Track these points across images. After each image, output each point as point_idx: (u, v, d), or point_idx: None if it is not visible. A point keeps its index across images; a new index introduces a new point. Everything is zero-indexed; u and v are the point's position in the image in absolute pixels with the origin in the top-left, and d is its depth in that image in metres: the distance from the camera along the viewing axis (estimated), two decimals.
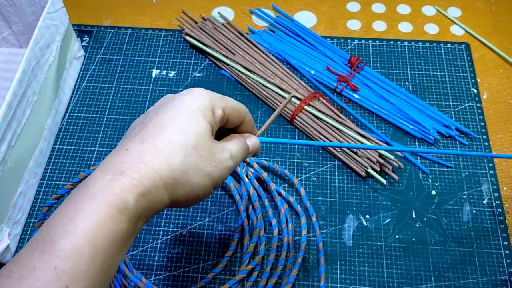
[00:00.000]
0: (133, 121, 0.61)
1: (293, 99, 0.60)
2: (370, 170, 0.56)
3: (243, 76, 0.64)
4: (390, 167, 0.56)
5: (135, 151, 0.31)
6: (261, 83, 0.63)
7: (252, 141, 0.38)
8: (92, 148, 0.59)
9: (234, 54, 0.66)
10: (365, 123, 0.60)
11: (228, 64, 0.65)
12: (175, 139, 0.32)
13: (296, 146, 0.59)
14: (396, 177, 0.56)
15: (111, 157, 0.31)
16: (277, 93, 0.62)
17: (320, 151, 0.59)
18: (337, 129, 0.58)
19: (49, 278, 0.26)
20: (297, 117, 0.60)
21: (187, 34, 0.68)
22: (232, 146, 0.36)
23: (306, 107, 0.60)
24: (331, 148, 0.58)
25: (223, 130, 0.38)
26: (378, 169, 0.56)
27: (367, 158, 0.56)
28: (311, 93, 0.61)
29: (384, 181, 0.56)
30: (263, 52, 0.66)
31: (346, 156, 0.57)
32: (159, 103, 0.35)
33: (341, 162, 0.58)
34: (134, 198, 0.29)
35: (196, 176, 0.32)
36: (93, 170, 0.32)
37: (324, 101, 0.61)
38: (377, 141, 0.57)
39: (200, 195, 0.33)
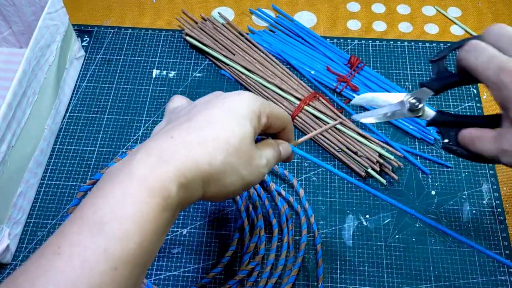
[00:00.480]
0: (133, 121, 0.61)
1: (293, 99, 0.61)
2: (370, 170, 0.56)
3: (243, 76, 0.64)
4: (390, 167, 0.56)
5: (181, 141, 0.32)
6: (261, 83, 0.63)
7: (284, 147, 0.39)
8: (92, 148, 0.59)
9: (234, 54, 0.66)
10: (365, 123, 0.60)
11: (228, 64, 0.65)
12: (221, 137, 0.32)
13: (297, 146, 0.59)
14: (396, 177, 0.56)
15: (155, 140, 0.32)
16: (277, 93, 0.62)
17: (320, 151, 0.59)
18: (337, 129, 0.58)
19: (98, 259, 0.27)
20: (297, 117, 0.60)
21: (187, 34, 0.68)
22: (269, 154, 0.37)
23: (306, 107, 0.60)
24: (331, 148, 0.58)
25: (262, 133, 0.39)
26: (378, 169, 0.56)
27: (367, 158, 0.56)
28: (311, 93, 0.61)
29: (384, 181, 0.56)
30: (263, 52, 0.66)
31: (346, 156, 0.57)
32: (208, 97, 0.36)
33: (341, 162, 0.58)
34: (176, 187, 0.30)
35: (231, 176, 0.33)
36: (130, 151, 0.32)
37: (324, 101, 0.61)
38: (377, 141, 0.57)
39: (230, 194, 0.34)
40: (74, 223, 0.28)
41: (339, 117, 0.59)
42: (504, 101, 0.31)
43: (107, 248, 0.27)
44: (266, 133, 0.39)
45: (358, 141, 0.57)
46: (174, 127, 0.33)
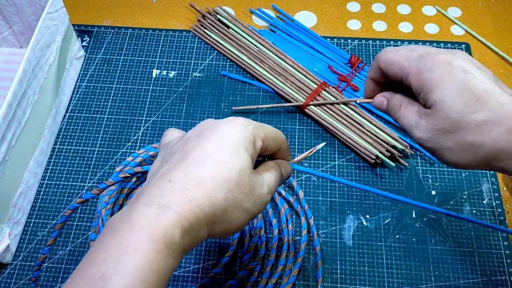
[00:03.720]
0: (133, 121, 0.61)
1: (303, 92, 0.61)
2: (379, 154, 0.56)
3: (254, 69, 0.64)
4: (397, 153, 0.57)
5: (179, 184, 0.31)
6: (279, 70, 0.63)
7: (287, 169, 0.39)
8: (92, 148, 0.59)
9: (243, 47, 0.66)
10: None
11: (239, 55, 0.66)
12: (218, 173, 0.31)
13: (297, 146, 0.59)
14: (406, 163, 0.57)
15: (153, 186, 0.31)
16: (290, 81, 0.62)
17: (321, 152, 0.59)
18: (350, 117, 0.59)
19: None
20: (308, 107, 0.60)
21: (198, 26, 0.69)
22: (270, 179, 0.36)
23: (317, 96, 0.61)
24: (340, 134, 0.58)
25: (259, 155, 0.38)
26: (388, 154, 0.56)
27: (379, 143, 0.57)
28: (320, 83, 0.61)
29: (393, 164, 0.56)
30: (269, 45, 0.67)
31: (356, 143, 0.57)
32: (200, 128, 0.35)
33: (348, 149, 0.59)
34: (179, 233, 0.29)
35: (235, 212, 0.32)
36: (133, 196, 0.32)
37: (334, 90, 0.61)
38: (388, 130, 0.57)
39: (236, 229, 0.33)
40: (77, 280, 0.28)
41: (350, 104, 0.60)
42: (423, 84, 0.34)
43: None
44: (263, 155, 0.38)
45: (372, 124, 0.59)
46: (170, 169, 0.32)
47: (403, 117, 0.37)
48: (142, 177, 0.56)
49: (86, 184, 0.57)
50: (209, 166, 0.31)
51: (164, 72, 0.66)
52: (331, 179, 0.42)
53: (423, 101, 0.35)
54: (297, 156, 0.41)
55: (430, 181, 0.57)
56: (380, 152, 0.56)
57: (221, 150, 0.32)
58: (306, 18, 0.72)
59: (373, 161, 0.56)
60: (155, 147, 0.55)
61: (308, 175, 0.57)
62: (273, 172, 0.36)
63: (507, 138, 0.32)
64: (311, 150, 0.41)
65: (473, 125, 0.32)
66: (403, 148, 0.57)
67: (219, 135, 0.33)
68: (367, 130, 0.58)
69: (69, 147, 0.60)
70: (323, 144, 0.42)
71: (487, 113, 0.32)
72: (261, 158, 0.38)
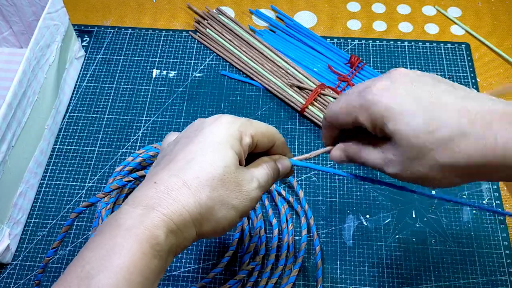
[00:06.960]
0: (133, 121, 0.61)
1: (302, 92, 0.61)
2: None
3: (252, 71, 0.64)
4: None
5: (163, 185, 0.31)
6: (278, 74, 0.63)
7: (284, 163, 0.37)
8: (92, 148, 0.59)
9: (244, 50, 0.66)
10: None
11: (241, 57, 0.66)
12: (202, 173, 0.31)
13: (297, 146, 0.59)
14: None
15: (141, 189, 0.31)
16: (289, 86, 0.62)
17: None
18: None
19: None
20: (307, 109, 0.60)
21: (198, 28, 0.69)
22: (261, 173, 0.35)
23: (317, 97, 0.61)
24: None
25: (254, 154, 0.37)
26: None
27: None
28: (318, 85, 0.61)
29: None
30: (268, 48, 0.66)
31: None
32: (189, 129, 0.35)
33: None
34: (164, 234, 0.29)
35: (222, 210, 0.32)
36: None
37: (332, 91, 0.61)
38: None
39: (226, 227, 0.33)
40: (64, 279, 0.28)
41: None
42: (374, 119, 0.31)
43: None
44: (256, 152, 0.37)
45: None
46: (157, 171, 0.32)
47: (368, 159, 0.34)
48: (143, 177, 0.56)
49: (86, 184, 0.57)
50: (193, 166, 0.31)
51: (164, 72, 0.66)
52: (333, 172, 0.40)
53: (381, 135, 0.32)
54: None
55: None
56: None
57: (206, 150, 0.32)
58: (306, 18, 0.72)
59: None
60: (155, 147, 0.55)
61: (308, 175, 0.57)
62: (266, 168, 0.36)
63: (478, 149, 0.28)
64: (316, 152, 0.39)
65: (439, 144, 0.29)
66: None
67: (203, 135, 0.33)
68: None
69: (69, 147, 0.60)
70: (328, 148, 0.39)
71: (449, 128, 0.29)
72: (256, 154, 0.37)
